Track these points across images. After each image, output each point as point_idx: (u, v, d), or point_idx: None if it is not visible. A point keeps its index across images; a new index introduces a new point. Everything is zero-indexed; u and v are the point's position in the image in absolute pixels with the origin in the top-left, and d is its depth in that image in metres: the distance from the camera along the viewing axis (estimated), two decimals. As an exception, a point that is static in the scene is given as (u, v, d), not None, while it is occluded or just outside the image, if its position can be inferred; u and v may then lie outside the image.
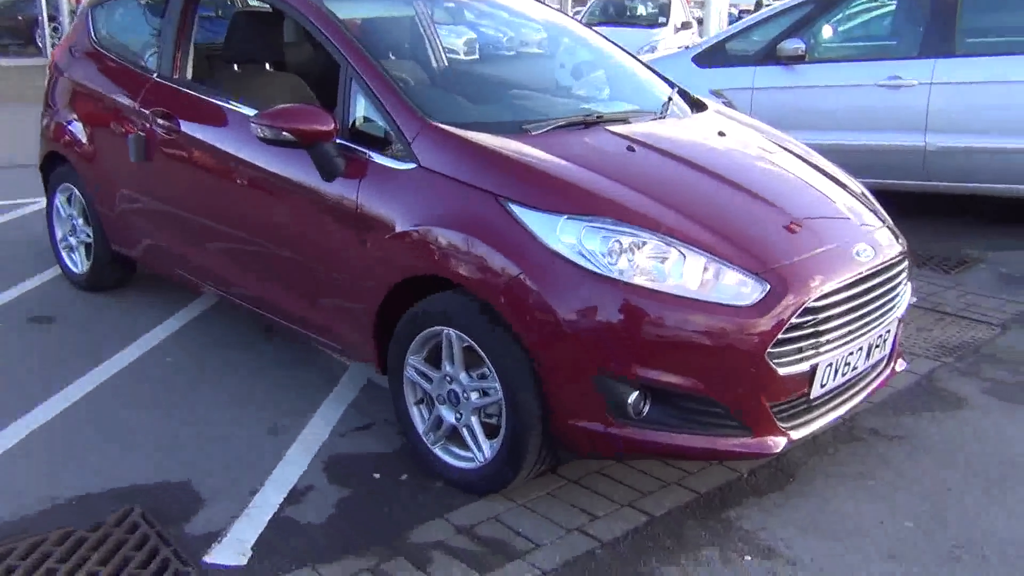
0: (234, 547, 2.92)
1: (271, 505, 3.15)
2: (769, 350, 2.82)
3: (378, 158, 3.35)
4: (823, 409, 3.14)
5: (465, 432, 3.19)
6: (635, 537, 2.99)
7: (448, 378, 3.20)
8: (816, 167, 3.77)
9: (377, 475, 3.36)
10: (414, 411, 3.37)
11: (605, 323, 2.80)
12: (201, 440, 3.58)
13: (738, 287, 2.85)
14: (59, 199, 5.29)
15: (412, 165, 3.25)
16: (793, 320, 2.86)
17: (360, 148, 3.40)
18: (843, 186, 3.66)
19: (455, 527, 3.03)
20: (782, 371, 2.87)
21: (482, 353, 3.03)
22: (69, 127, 5.01)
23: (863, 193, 3.73)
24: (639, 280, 2.82)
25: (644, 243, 2.87)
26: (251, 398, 3.95)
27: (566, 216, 2.91)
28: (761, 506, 3.18)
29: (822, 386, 3.06)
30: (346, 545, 2.93)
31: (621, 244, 2.86)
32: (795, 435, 3.00)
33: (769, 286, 2.86)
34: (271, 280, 3.85)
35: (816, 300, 2.93)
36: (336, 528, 3.02)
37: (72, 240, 5.29)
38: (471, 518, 3.08)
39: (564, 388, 2.88)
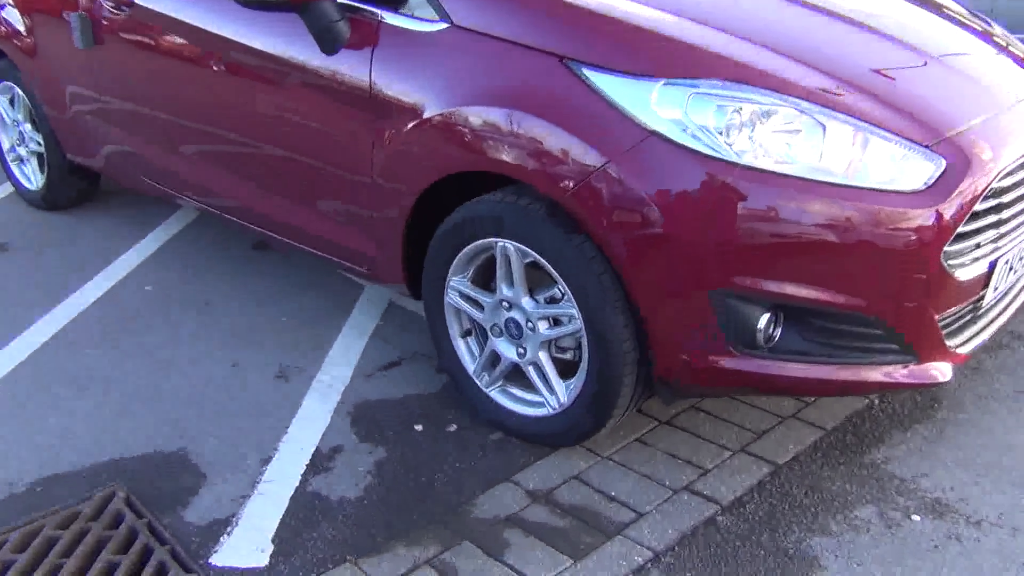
0: (249, 540, 2.25)
1: (290, 477, 2.48)
2: (946, 248, 2.11)
3: (393, 18, 2.54)
4: (989, 318, 2.45)
5: (531, 371, 2.50)
6: (762, 495, 2.34)
7: (506, 304, 2.49)
8: (961, 18, 2.98)
9: (419, 427, 2.69)
10: (460, 346, 2.67)
11: (724, 223, 2.07)
12: (194, 393, 2.89)
13: (901, 166, 2.11)
14: (1, 102, 4.45)
15: (443, 24, 2.44)
16: (977, 206, 2.14)
17: (368, 5, 2.59)
18: (995, 39, 2.88)
19: (528, 493, 2.37)
20: (960, 275, 2.16)
21: (552, 271, 2.31)
22: (1, 13, 4.14)
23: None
24: (766, 163, 2.07)
25: (772, 112, 2.11)
26: (249, 335, 3.24)
27: (663, 81, 2.14)
28: (910, 444, 2.52)
29: (995, 289, 2.36)
30: (392, 527, 2.27)
31: (741, 115, 2.10)
32: (963, 351, 2.31)
33: (944, 162, 2.12)
34: (264, 187, 3.09)
35: (1000, 179, 2.20)
36: (377, 503, 2.36)
37: (21, 151, 4.46)
38: (546, 480, 2.42)
39: (668, 313, 2.17)
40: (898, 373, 2.22)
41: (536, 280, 2.43)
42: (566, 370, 2.48)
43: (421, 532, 2.24)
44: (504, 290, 2.46)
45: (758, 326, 2.13)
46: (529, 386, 2.55)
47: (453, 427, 2.68)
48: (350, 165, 2.72)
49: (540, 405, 2.52)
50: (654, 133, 2.11)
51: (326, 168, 2.80)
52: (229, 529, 2.28)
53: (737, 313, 2.13)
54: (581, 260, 2.24)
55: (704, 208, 2.08)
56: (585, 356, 2.34)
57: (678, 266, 2.12)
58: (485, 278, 2.59)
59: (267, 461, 2.54)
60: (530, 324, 2.44)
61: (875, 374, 2.22)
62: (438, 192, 2.55)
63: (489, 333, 2.56)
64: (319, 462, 2.54)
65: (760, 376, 2.18)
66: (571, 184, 2.17)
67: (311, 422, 2.72)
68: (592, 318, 2.27)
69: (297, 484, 2.45)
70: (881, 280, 2.11)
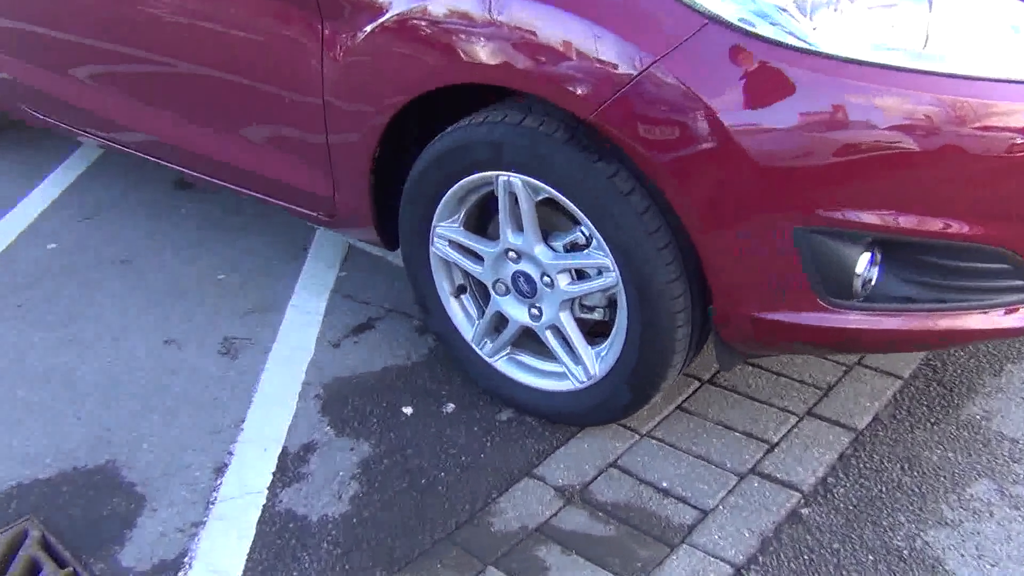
0: (207, 587, 1.74)
1: (254, 492, 1.95)
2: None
3: None
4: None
5: (549, 337, 1.99)
6: (850, 475, 1.89)
7: (512, 254, 1.95)
8: None
9: (408, 409, 2.17)
10: (453, 308, 2.13)
11: (810, 135, 1.55)
12: (118, 382, 2.32)
13: (1037, 49, 1.60)
14: None
15: None
16: None
17: None
18: None
19: (557, 491, 1.89)
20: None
21: (574, 210, 1.77)
22: None
23: None
24: (862, 51, 1.55)
25: (868, -17, 1.57)
26: (181, 300, 2.65)
27: (722, -53, 1.58)
28: (1007, 391, 2.09)
29: None
30: (393, 554, 1.77)
31: (827, -11, 1.56)
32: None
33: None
34: (184, 116, 2.45)
35: None
36: (369, 522, 1.85)
37: None
38: (577, 471, 1.94)
39: (738, 259, 1.66)
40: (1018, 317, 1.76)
41: (551, 221, 1.90)
42: (593, 332, 1.98)
43: (431, 560, 1.75)
44: (509, 237, 1.92)
45: (855, 269, 1.64)
46: (545, 352, 2.05)
47: (450, 407, 2.17)
48: (292, 82, 2.11)
49: (561, 376, 2.01)
50: (715, 20, 1.55)
51: (261, 87, 2.19)
52: (181, 574, 1.76)
53: (829, 254, 1.62)
54: (615, 195, 1.71)
55: (783, 116, 1.55)
56: (622, 316, 1.83)
57: (752, 196, 1.60)
58: (481, 222, 2.05)
59: (221, 470, 2.01)
60: (546, 279, 1.91)
61: (991, 319, 1.75)
62: (415, 114, 1.98)
63: (491, 291, 2.03)
64: (289, 467, 2.01)
65: (852, 332, 1.69)
66: (604, 95, 1.62)
67: (272, 412, 2.18)
68: (632, 269, 1.75)
69: (264, 502, 1.92)
70: (1013, 201, 1.62)
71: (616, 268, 1.78)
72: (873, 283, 1.68)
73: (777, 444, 1.96)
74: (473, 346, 2.11)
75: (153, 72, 2.46)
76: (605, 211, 1.73)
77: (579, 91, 1.64)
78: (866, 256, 1.63)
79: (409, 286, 2.59)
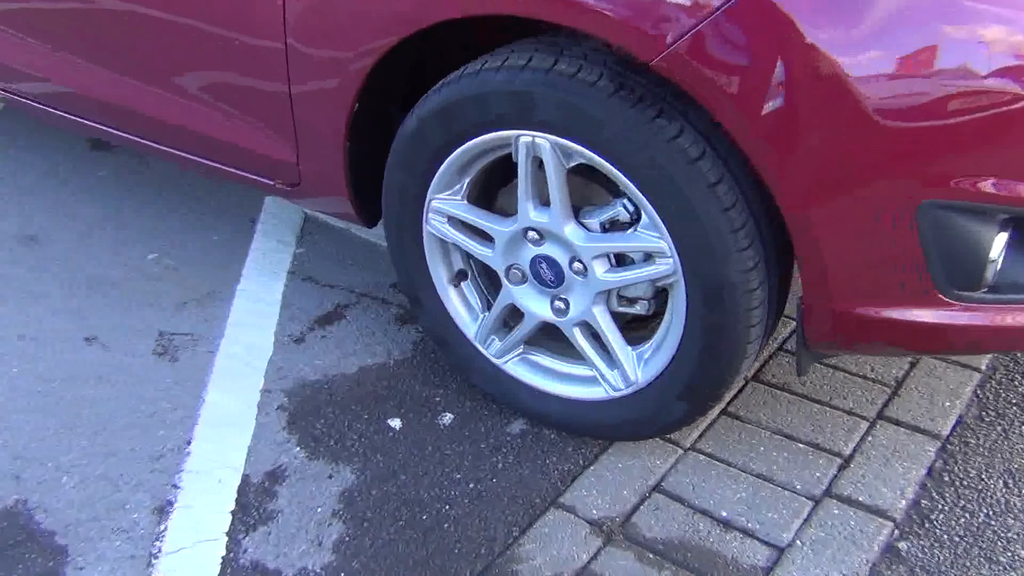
0: None
1: (208, 539, 1.53)
2: None
3: None
4: None
5: (577, 336, 1.61)
6: (946, 495, 1.57)
7: (533, 234, 1.56)
8: None
9: (395, 422, 1.78)
10: (451, 299, 1.73)
11: (952, 85, 1.19)
12: (27, 394, 1.87)
13: None
14: None
15: None
16: None
17: None
18: None
19: (594, 526, 1.53)
20: None
21: (624, 180, 1.39)
22: None
23: None
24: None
25: None
26: (104, 288, 2.18)
27: None
28: (1103, 383, 1.80)
29: None
30: (396, 616, 1.40)
31: None
32: None
33: None
34: (105, 63, 1.97)
35: None
36: (359, 573, 1.47)
37: None
38: (613, 497, 1.58)
39: (843, 242, 1.30)
40: None
41: (581, 193, 1.52)
42: (628, 326, 1.62)
43: (448, 626, 1.38)
44: (531, 213, 1.53)
45: (990, 253, 1.30)
46: (568, 351, 1.67)
47: (447, 417, 1.78)
48: (243, 20, 1.67)
49: (590, 382, 1.64)
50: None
51: (202, 27, 1.73)
52: (120, 662, 1.36)
53: (958, 234, 1.27)
54: (680, 161, 1.33)
55: (912, 61, 1.19)
56: (677, 312, 1.47)
57: (871, 161, 1.23)
58: (484, 193, 1.65)
59: (166, 510, 1.59)
60: (577, 265, 1.53)
61: None
62: (403, 60, 1.56)
63: (503, 279, 1.64)
64: (252, 503, 1.60)
65: (975, 332, 1.36)
66: (678, 30, 1.23)
67: (225, 430, 1.76)
68: (697, 255, 1.38)
69: (223, 552, 1.51)
70: None
71: (675, 253, 1.40)
72: (1002, 267, 1.34)
73: (851, 457, 1.64)
74: (477, 345, 1.72)
75: (64, 7, 1.97)
76: (664, 182, 1.35)
77: (643, 25, 1.25)
78: (1002, 237, 1.29)
79: (384, 264, 2.20)
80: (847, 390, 1.79)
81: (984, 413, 1.73)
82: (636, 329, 1.64)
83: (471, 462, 1.67)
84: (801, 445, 1.67)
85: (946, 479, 1.59)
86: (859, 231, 1.28)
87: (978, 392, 1.78)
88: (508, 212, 1.62)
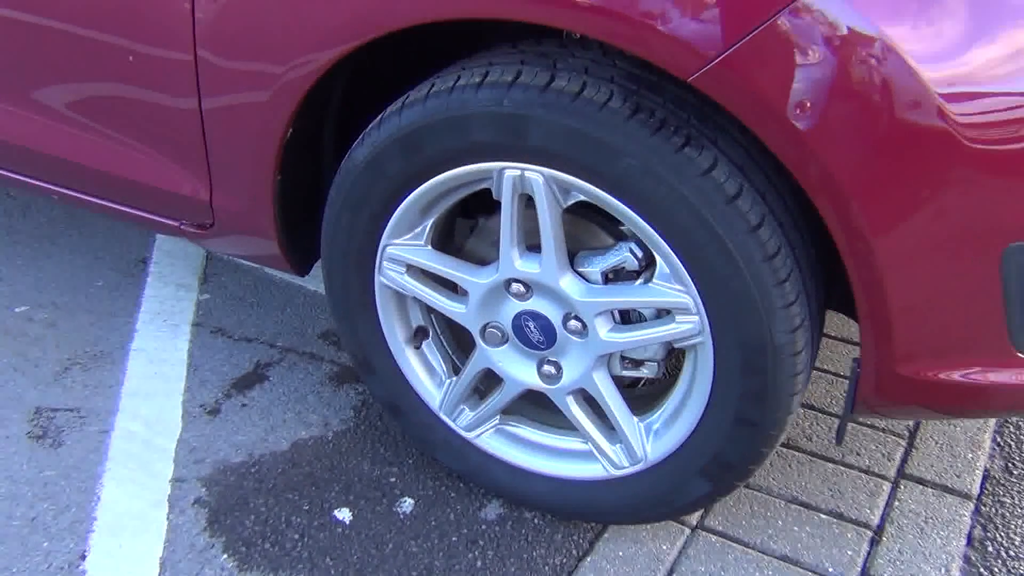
0: None
1: None
2: None
3: None
4: None
5: (571, 405, 1.33)
6: (993, 570, 1.38)
7: (518, 287, 1.28)
8: None
9: (345, 513, 1.46)
10: (410, 363, 1.42)
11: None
12: None
13: None
14: None
15: None
16: None
17: None
18: None
19: (600, 635, 1.27)
20: None
21: (641, 223, 1.12)
22: None
23: None
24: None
25: None
26: (-37, 347, 1.79)
27: None
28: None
29: None
30: None
31: None
32: None
33: None
34: None
35: None
36: None
37: None
38: (620, 597, 1.32)
39: (918, 292, 1.08)
40: None
41: (570, 236, 1.25)
42: (626, 387, 1.36)
43: None
44: (516, 261, 1.25)
45: (1075, 304, 1.10)
46: (553, 419, 1.40)
47: (407, 504, 1.48)
48: (139, 26, 1.33)
49: (584, 457, 1.37)
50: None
51: (85, 33, 1.38)
52: None
53: (1044, 283, 1.08)
54: (714, 200, 1.08)
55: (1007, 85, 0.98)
56: (702, 378, 1.21)
57: (952, 201, 1.02)
58: (447, 236, 1.37)
59: (56, 657, 1.24)
60: (574, 323, 1.26)
61: None
62: (343, 75, 1.26)
63: (479, 339, 1.35)
64: (170, 639, 1.27)
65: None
66: (730, 39, 0.98)
67: (129, 537, 1.41)
68: (731, 312, 1.13)
69: None
70: None
71: (702, 310, 1.15)
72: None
73: (882, 529, 1.42)
74: (442, 417, 1.43)
75: None
76: (693, 225, 1.10)
77: (682, 32, 0.99)
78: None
79: (309, 309, 1.88)
80: (859, 445, 1.58)
81: (1010, 465, 1.56)
82: (634, 390, 1.39)
83: (443, 562, 1.38)
84: (823, 516, 1.45)
85: (990, 549, 1.40)
86: (935, 278, 1.06)
87: (997, 440, 1.60)
88: (477, 259, 1.34)
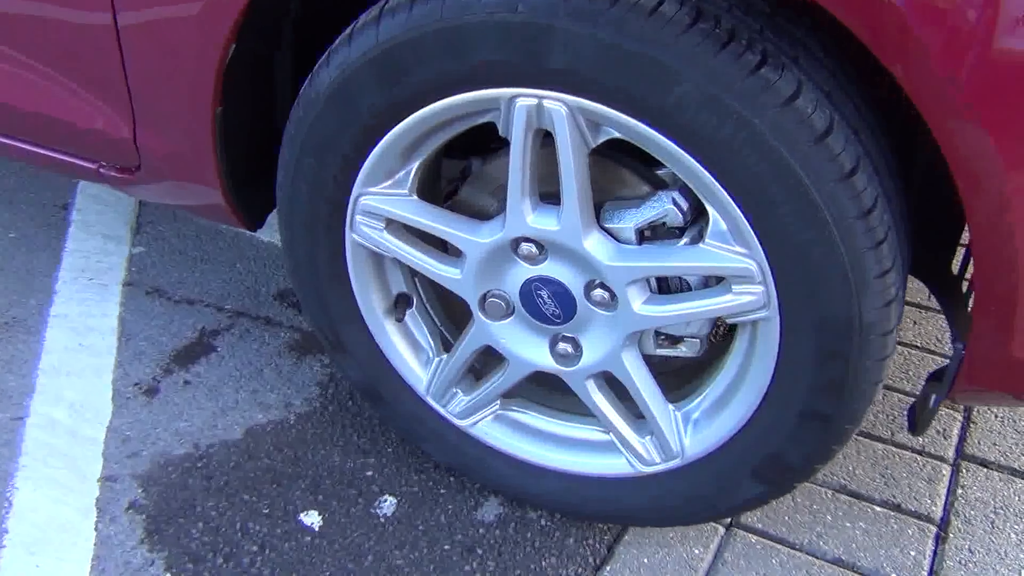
0: None
1: None
2: None
3: None
4: None
5: (591, 390, 1.09)
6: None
7: (529, 247, 1.02)
8: None
9: (313, 517, 1.21)
10: (389, 336, 1.16)
11: None
12: None
13: None
14: None
15: None
16: None
17: None
18: None
19: (628, 666, 1.05)
20: None
21: (697, 164, 0.86)
22: None
23: None
24: None
25: None
26: None
27: None
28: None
29: None
30: None
31: None
32: None
33: None
34: None
35: None
36: None
37: None
38: (650, 616, 1.11)
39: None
40: None
41: (594, 184, 0.99)
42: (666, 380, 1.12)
43: None
44: (529, 215, 0.99)
45: None
46: (564, 399, 1.16)
47: (387, 503, 1.23)
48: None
49: (605, 449, 1.14)
50: None
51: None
52: None
53: None
54: (798, 138, 0.82)
55: None
56: (760, 361, 0.98)
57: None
58: (430, 186, 1.10)
59: None
60: (600, 292, 1.00)
61: None
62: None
63: (478, 310, 1.09)
64: None
65: None
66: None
67: (48, 552, 1.15)
68: (811, 282, 0.89)
69: None
70: None
71: (770, 279, 0.91)
72: None
73: (947, 523, 1.21)
74: (429, 401, 1.18)
75: None
76: (766, 169, 0.85)
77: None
78: None
79: (262, 262, 1.62)
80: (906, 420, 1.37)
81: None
82: (665, 364, 1.15)
83: (439, 563, 1.14)
84: (878, 508, 1.24)
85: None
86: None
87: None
88: (472, 211, 1.07)
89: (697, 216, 0.97)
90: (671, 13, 0.82)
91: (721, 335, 1.14)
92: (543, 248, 1.01)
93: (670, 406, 1.07)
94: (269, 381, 1.40)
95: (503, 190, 1.01)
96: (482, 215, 1.07)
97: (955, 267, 1.16)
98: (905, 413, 1.31)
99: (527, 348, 1.09)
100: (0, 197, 1.77)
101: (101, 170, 1.23)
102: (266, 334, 1.49)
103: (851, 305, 0.89)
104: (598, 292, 1.01)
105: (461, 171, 1.12)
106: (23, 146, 1.30)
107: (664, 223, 0.97)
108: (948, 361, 0.98)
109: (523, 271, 1.04)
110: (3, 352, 1.43)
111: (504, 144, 0.97)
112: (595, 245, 0.98)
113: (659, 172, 1.00)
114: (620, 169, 1.00)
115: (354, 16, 0.98)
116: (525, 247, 1.01)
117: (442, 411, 1.18)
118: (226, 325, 1.51)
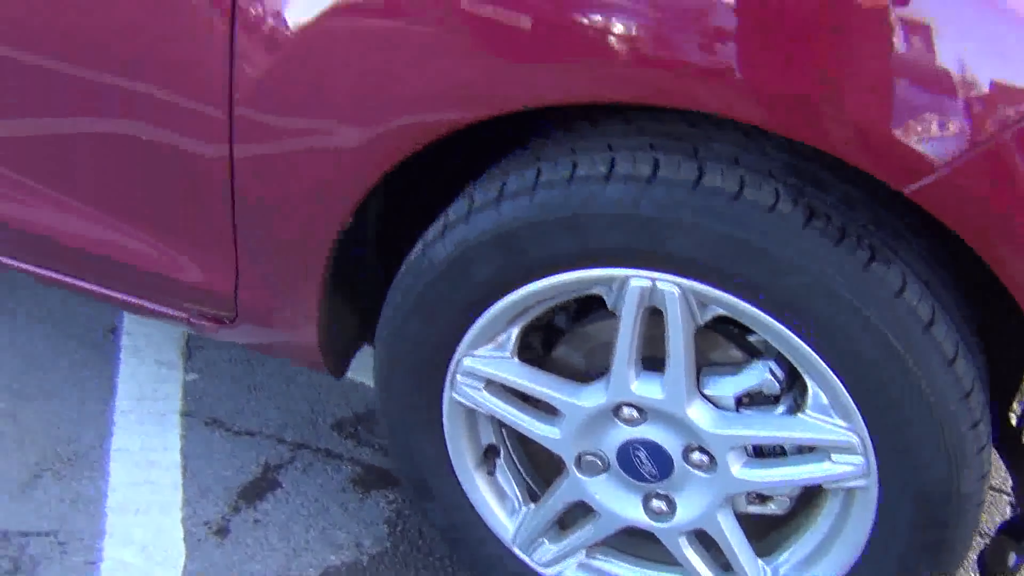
0: None
1: None
2: None
3: None
4: None
5: (684, 548, 1.11)
6: None
7: (630, 412, 1.05)
8: None
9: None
10: (477, 486, 1.19)
11: None
12: None
13: None
14: None
15: None
16: None
17: None
18: None
19: None
20: None
21: (807, 346, 0.92)
22: None
23: None
24: None
25: None
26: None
27: None
28: None
29: None
30: None
31: None
32: None
33: None
34: None
35: None
36: None
37: None
38: None
39: None
40: None
41: (715, 349, 1.04)
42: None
43: None
44: (633, 383, 1.03)
45: None
46: (648, 546, 1.19)
47: (469, 650, 1.26)
48: (161, 70, 1.07)
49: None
50: None
51: (82, 74, 1.12)
52: None
53: None
54: (908, 328, 0.88)
55: None
56: (855, 524, 1.02)
57: None
58: (541, 339, 1.14)
59: None
60: (698, 455, 1.04)
61: None
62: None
63: (573, 467, 1.13)
64: None
65: None
66: (968, 139, 0.79)
67: None
68: (913, 457, 0.93)
69: None
70: None
71: (870, 452, 0.96)
72: None
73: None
74: (515, 551, 1.21)
75: None
76: (877, 355, 0.90)
77: (911, 137, 0.80)
78: None
79: (316, 388, 1.65)
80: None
81: None
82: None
83: None
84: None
85: None
86: None
87: None
88: (567, 371, 1.12)
89: (791, 383, 1.02)
90: (787, 210, 0.89)
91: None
92: (643, 412, 1.06)
93: (760, 561, 1.11)
94: (337, 519, 1.42)
95: (598, 351, 1.07)
96: (575, 373, 1.12)
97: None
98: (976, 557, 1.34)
99: (620, 504, 1.12)
100: (47, 321, 1.78)
101: (191, 320, 1.26)
102: (328, 468, 1.51)
103: (951, 479, 0.94)
104: (697, 455, 1.05)
105: (546, 324, 1.17)
106: (105, 291, 1.32)
107: (763, 391, 1.03)
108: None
109: (622, 432, 1.08)
110: (69, 490, 1.43)
111: (598, 304, 1.03)
112: (697, 412, 1.02)
113: (751, 339, 1.06)
114: (717, 337, 1.05)
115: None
116: (626, 411, 1.06)
117: (526, 559, 1.21)
118: (288, 458, 1.53)
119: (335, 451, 1.55)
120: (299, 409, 1.63)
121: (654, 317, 1.00)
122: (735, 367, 1.04)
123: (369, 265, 1.23)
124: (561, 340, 1.13)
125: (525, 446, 1.22)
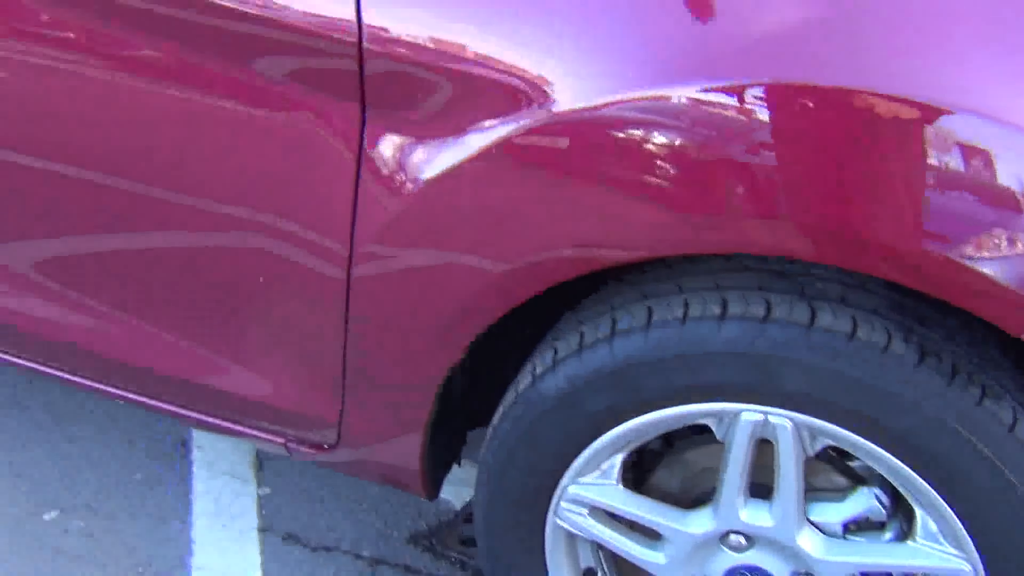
0: None
1: None
2: None
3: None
4: None
5: None
6: None
7: (737, 539, 1.08)
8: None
9: None
10: (579, 615, 1.22)
11: None
12: None
13: None
14: None
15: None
16: None
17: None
18: None
19: None
20: None
21: (922, 480, 0.95)
22: None
23: None
24: None
25: None
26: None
27: None
28: None
29: None
30: None
31: None
32: None
33: None
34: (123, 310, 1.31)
35: None
36: None
37: None
38: None
39: None
40: None
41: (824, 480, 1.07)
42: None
43: None
44: (741, 511, 1.06)
45: None
46: None
47: None
48: (286, 223, 1.12)
49: None
50: None
51: (217, 209, 1.16)
52: None
53: None
54: (1021, 461, 0.92)
55: None
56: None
57: None
58: (641, 465, 1.17)
59: None
60: (817, 584, 1.07)
61: None
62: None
63: (677, 595, 1.15)
64: None
65: None
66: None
67: None
68: (1020, 582, 0.97)
69: None
70: None
71: (983, 577, 0.99)
72: None
73: None
74: (613, 671, 1.22)
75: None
76: (994, 489, 0.93)
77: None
78: None
79: (388, 501, 1.66)
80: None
81: None
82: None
83: None
84: None
85: None
86: None
87: None
88: (665, 496, 1.14)
89: (896, 509, 1.05)
90: (900, 351, 0.93)
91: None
92: (751, 539, 1.08)
93: None
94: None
95: (697, 476, 1.10)
96: (668, 496, 1.14)
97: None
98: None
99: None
100: (119, 438, 1.80)
101: (288, 444, 1.29)
102: (405, 581, 1.52)
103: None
104: (810, 585, 1.07)
105: (639, 447, 1.20)
106: (197, 416, 1.35)
107: (870, 519, 1.05)
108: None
109: (728, 558, 1.10)
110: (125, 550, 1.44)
111: (698, 430, 1.06)
112: (806, 540, 1.05)
113: (853, 464, 1.09)
114: (820, 464, 1.09)
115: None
116: (734, 538, 1.08)
117: None
118: (366, 573, 1.54)
119: (413, 567, 1.56)
120: (372, 522, 1.65)
121: (761, 445, 1.03)
122: (840, 493, 1.07)
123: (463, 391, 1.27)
124: (660, 464, 1.17)
125: (619, 567, 1.24)
